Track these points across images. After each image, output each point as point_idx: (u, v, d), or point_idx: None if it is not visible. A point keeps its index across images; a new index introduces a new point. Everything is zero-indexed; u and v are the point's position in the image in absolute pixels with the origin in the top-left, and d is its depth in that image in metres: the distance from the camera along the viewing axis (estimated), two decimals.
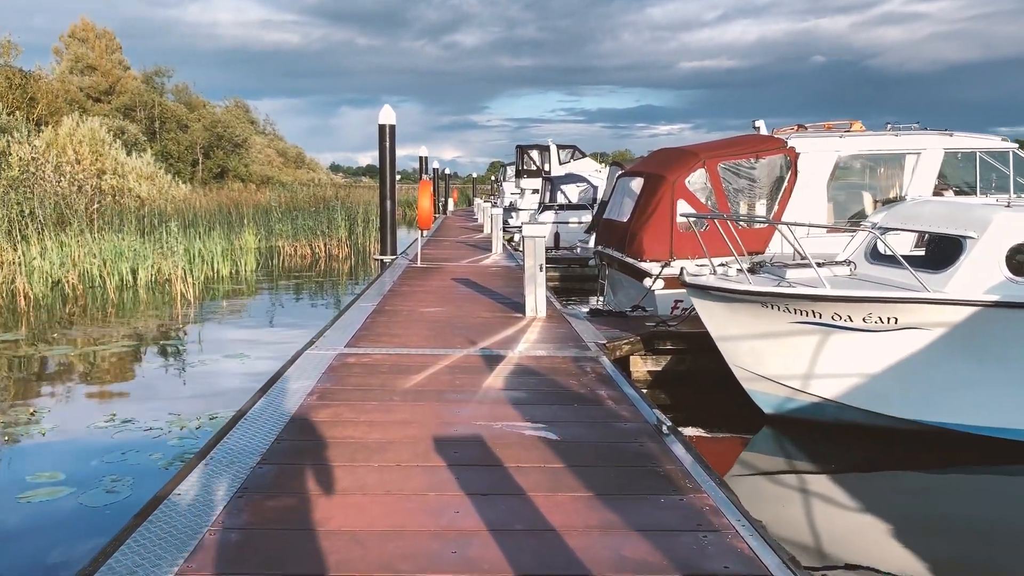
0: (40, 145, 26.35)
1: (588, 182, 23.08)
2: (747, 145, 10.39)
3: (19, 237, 17.59)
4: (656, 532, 3.57)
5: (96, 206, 22.57)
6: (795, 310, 6.78)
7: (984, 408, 6.49)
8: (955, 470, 6.62)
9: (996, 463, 6.62)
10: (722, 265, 7.51)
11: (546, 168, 32.49)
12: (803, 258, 7.11)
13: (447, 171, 51.37)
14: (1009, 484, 6.50)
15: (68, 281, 16.07)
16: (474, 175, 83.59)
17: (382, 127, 15.49)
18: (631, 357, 8.35)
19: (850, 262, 7.56)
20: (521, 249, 12.47)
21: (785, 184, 10.10)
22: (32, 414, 7.83)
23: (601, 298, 12.16)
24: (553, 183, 23.54)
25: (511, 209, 28.59)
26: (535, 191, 28.57)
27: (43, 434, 7.24)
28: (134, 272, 17.22)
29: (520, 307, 9.77)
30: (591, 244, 14.59)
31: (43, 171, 24.18)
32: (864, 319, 6.52)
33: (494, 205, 26.10)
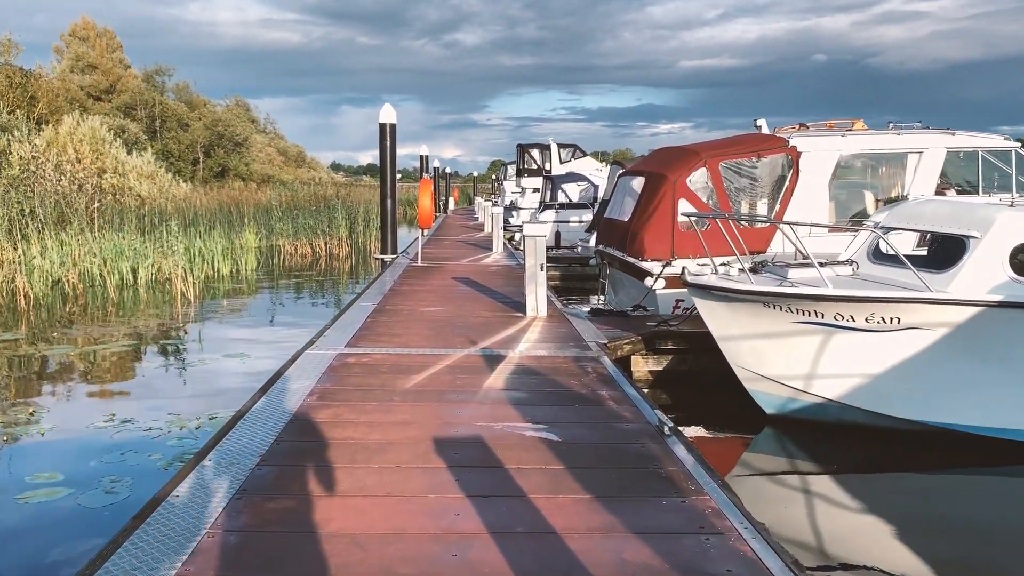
0: (40, 144, 26.32)
1: (589, 181, 23.03)
2: (749, 144, 10.36)
3: (19, 236, 17.57)
4: (658, 535, 3.55)
5: (96, 205, 22.55)
6: (797, 310, 6.74)
7: (987, 409, 6.46)
8: (958, 471, 6.59)
9: (1000, 464, 6.58)
10: (724, 264, 7.48)
11: (547, 167, 32.43)
12: (805, 258, 7.08)
13: (448, 170, 51.40)
14: (1013, 485, 6.47)
15: (68, 280, 16.05)
16: (475, 174, 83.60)
17: (383, 126, 15.47)
18: (632, 357, 8.32)
19: (852, 262, 7.52)
20: (522, 248, 12.44)
21: (787, 183, 10.07)
22: (31, 414, 7.80)
23: (602, 297, 12.14)
24: (554, 182, 23.50)
25: (512, 208, 28.56)
26: (536, 190, 28.54)
27: (42, 434, 7.21)
28: (134, 271, 17.19)
29: (521, 306, 9.74)
30: (592, 243, 14.55)
31: (43, 170, 24.16)
32: (867, 319, 6.49)
33: (495, 204, 26.06)
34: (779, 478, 6.49)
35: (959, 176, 10.85)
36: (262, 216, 26.00)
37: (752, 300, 6.91)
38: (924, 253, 7.74)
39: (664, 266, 9.16)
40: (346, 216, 26.14)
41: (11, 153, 24.56)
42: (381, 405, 5.62)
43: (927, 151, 10.26)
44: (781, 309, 6.81)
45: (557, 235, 20.41)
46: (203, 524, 3.61)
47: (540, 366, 6.86)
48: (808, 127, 10.77)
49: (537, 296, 9.40)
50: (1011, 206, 6.79)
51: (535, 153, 34.22)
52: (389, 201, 15.83)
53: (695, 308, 7.43)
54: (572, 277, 17.64)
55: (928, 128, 10.53)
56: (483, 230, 25.24)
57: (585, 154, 34.19)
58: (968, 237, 6.54)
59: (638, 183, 10.75)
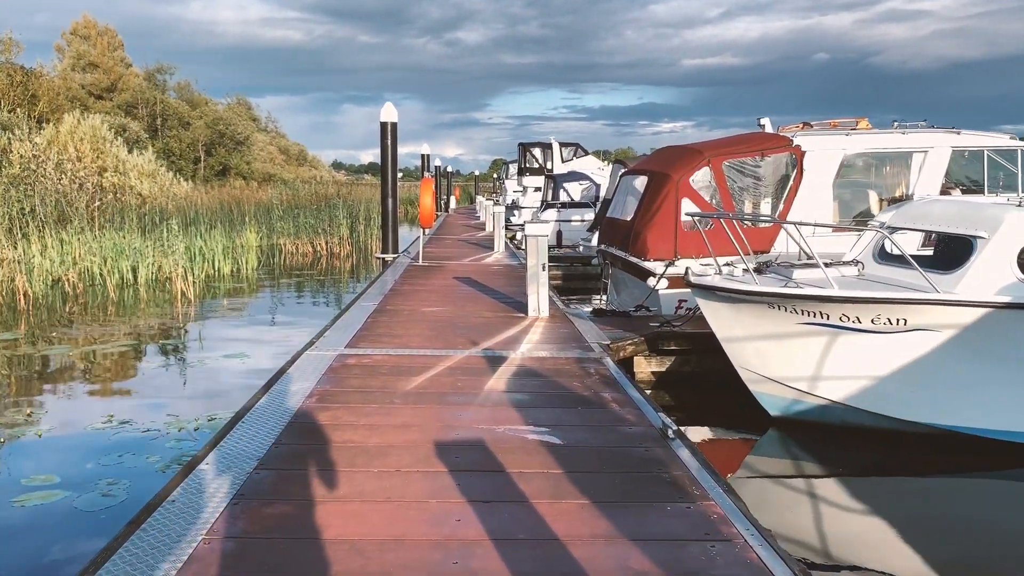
0: (41, 142, 26.30)
1: (591, 180, 22.96)
2: (752, 143, 10.28)
3: (19, 235, 17.52)
4: (663, 542, 3.48)
5: (97, 204, 22.49)
6: (802, 311, 6.67)
7: (995, 411, 6.39)
8: (965, 474, 6.51)
9: (1008, 467, 6.51)
10: (727, 265, 7.40)
11: (548, 166, 32.36)
12: (810, 258, 7.00)
13: (449, 169, 51.34)
14: (1022, 489, 6.39)
15: (68, 279, 15.99)
16: (476, 173, 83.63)
17: (384, 124, 15.40)
18: (635, 358, 8.24)
19: (858, 262, 7.45)
20: (523, 248, 12.37)
21: (791, 182, 9.99)
22: (29, 415, 7.74)
23: (604, 297, 12.07)
24: (556, 181, 23.43)
25: (513, 207, 28.50)
26: (537, 189, 28.49)
27: (39, 435, 7.15)
28: (134, 270, 17.14)
29: (522, 306, 9.67)
30: (594, 242, 14.49)
31: (44, 168, 24.11)
32: (873, 320, 6.42)
33: (496, 203, 26.01)
34: (783, 481, 6.42)
35: (963, 175, 10.77)
36: (263, 215, 25.96)
37: (756, 301, 6.84)
38: (929, 253, 7.67)
39: (667, 266, 9.09)
40: (347, 215, 26.10)
41: (12, 152, 24.51)
42: (381, 407, 5.55)
43: (932, 150, 10.18)
44: (786, 310, 6.74)
45: (559, 234, 20.36)
46: (200, 530, 3.55)
47: (542, 367, 6.79)
48: (812, 126, 10.69)
49: (539, 296, 9.33)
50: (1019, 206, 6.70)
51: (537, 152, 34.13)
52: (390, 200, 15.75)
53: (698, 309, 7.36)
54: (574, 277, 17.56)
55: (933, 127, 10.46)
56: (484, 229, 25.17)
57: (587, 153, 34.12)
58: (976, 237, 6.46)
59: (641, 182, 10.68)
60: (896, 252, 7.01)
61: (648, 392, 6.50)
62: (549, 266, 9.60)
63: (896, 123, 10.54)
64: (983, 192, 10.36)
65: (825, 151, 10.02)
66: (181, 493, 3.96)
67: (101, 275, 16.65)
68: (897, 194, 10.41)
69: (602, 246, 11.81)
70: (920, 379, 6.46)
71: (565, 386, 6.16)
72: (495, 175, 73.01)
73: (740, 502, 3.94)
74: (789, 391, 7.02)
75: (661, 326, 8.56)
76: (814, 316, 6.63)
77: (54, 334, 11.74)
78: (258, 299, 16.19)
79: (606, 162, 30.72)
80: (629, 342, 8.15)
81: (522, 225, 14.61)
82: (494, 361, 6.99)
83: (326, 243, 24.81)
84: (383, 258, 15.98)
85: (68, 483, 5.88)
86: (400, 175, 19.58)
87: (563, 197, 22.59)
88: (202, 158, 56.17)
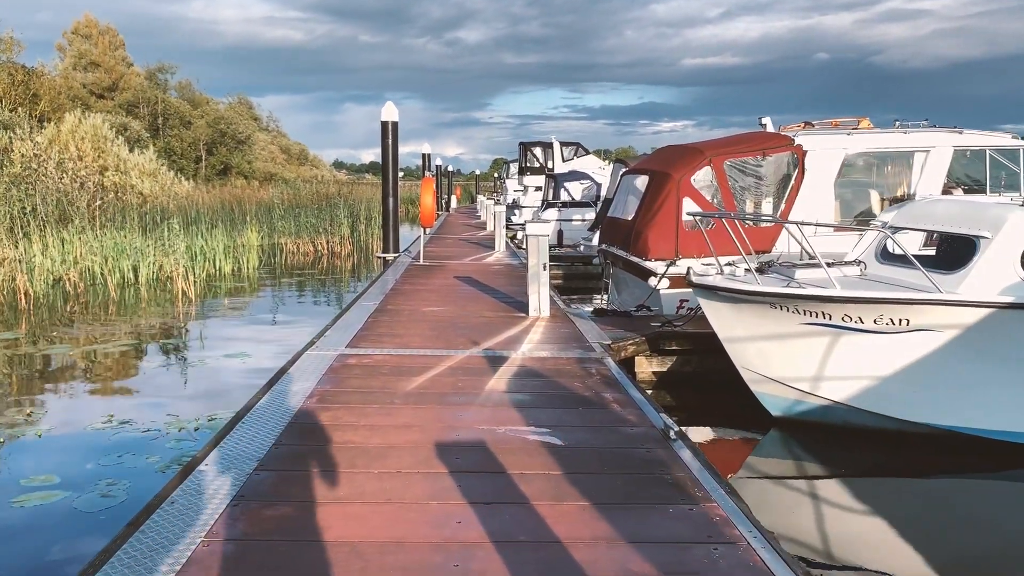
0: (42, 142, 26.28)
1: (591, 179, 22.93)
2: (754, 142, 10.25)
3: (20, 234, 17.51)
4: (665, 544, 3.46)
5: (98, 203, 22.47)
6: (804, 311, 6.64)
7: (998, 412, 6.36)
8: (967, 475, 6.49)
9: (1010, 468, 6.48)
10: (729, 264, 7.38)
11: (549, 165, 32.32)
12: (812, 258, 6.98)
13: (450, 168, 51.31)
14: None
15: (69, 279, 15.98)
16: (477, 172, 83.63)
17: (385, 124, 15.38)
18: (636, 358, 8.23)
19: (860, 262, 7.42)
20: (524, 247, 12.34)
21: (792, 182, 9.96)
22: (29, 414, 7.73)
23: (605, 297, 12.05)
24: (556, 180, 23.40)
25: (514, 206, 28.47)
26: (538, 188, 28.46)
27: (39, 435, 7.13)
28: (135, 269, 17.13)
29: (523, 306, 9.65)
30: (595, 242, 14.46)
31: (45, 168, 24.11)
32: (875, 320, 6.39)
33: (497, 202, 25.99)
34: (785, 482, 6.40)
35: (966, 175, 10.74)
36: (264, 214, 25.95)
37: (758, 301, 6.81)
38: (931, 253, 7.64)
39: (668, 266, 9.07)
40: (348, 214, 26.09)
41: (13, 151, 24.51)
42: (382, 408, 5.53)
43: (934, 150, 10.15)
44: (788, 310, 6.71)
45: (560, 234, 20.32)
46: (199, 531, 3.53)
47: (543, 367, 6.77)
48: (813, 125, 10.66)
49: (540, 296, 9.31)
50: (1022, 206, 6.68)
51: (538, 151, 34.09)
52: (391, 199, 15.73)
53: (700, 308, 7.34)
54: (575, 276, 17.53)
55: (935, 126, 10.42)
56: (485, 229, 25.15)
57: (588, 152, 34.09)
58: (979, 237, 6.43)
59: (642, 182, 10.65)
60: (898, 252, 6.98)
61: (649, 392, 6.48)
62: (550, 266, 9.58)
63: (898, 122, 10.50)
64: (985, 192, 10.34)
65: (827, 150, 9.99)
66: (181, 494, 3.94)
67: (102, 274, 16.64)
68: (899, 194, 10.38)
69: (603, 246, 11.78)
70: (923, 379, 6.43)
71: (566, 386, 6.14)
72: (496, 174, 72.91)
73: (743, 504, 3.92)
74: (791, 391, 7.00)
75: (662, 326, 8.53)
76: (816, 316, 6.61)
77: (55, 333, 11.73)
78: (259, 299, 16.17)
79: (607, 161, 30.70)
80: (630, 342, 8.13)
81: (523, 224, 14.60)
82: (495, 361, 6.97)
83: (327, 242, 24.80)
84: (384, 257, 15.97)
85: (68, 483, 5.87)
86: (401, 174, 19.57)
87: (564, 196, 22.57)
88: (203, 157, 56.18)
